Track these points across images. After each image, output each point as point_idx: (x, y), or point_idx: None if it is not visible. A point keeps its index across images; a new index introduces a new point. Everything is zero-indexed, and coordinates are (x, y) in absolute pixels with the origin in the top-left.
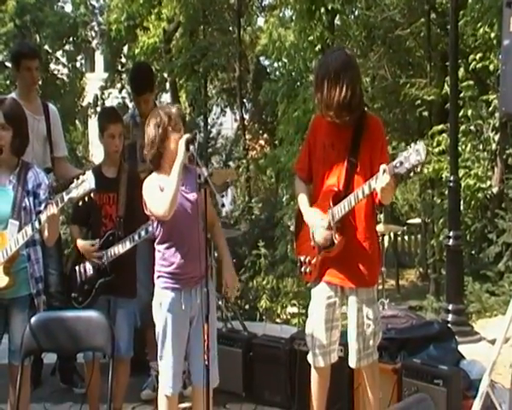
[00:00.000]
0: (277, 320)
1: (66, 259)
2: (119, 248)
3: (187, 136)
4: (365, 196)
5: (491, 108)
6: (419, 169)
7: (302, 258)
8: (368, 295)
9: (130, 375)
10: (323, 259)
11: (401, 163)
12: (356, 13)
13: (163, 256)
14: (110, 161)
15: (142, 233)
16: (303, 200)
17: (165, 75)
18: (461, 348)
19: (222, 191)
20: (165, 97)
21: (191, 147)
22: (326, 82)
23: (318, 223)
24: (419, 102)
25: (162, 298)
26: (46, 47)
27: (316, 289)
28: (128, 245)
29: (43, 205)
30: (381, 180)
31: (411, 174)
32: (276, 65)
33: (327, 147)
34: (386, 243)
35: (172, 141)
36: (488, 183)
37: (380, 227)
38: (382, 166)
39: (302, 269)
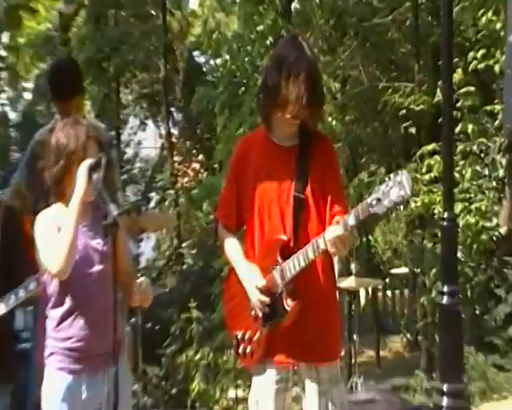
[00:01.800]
0: (215, 408)
1: None
2: None
3: (89, 161)
4: (319, 254)
5: (497, 122)
6: (402, 207)
7: (239, 334)
8: (331, 373)
9: None
10: (270, 333)
11: (378, 200)
12: None
13: (58, 326)
14: None
15: (31, 286)
16: (235, 254)
17: None
18: None
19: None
20: None
21: (95, 176)
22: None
23: (255, 284)
24: (404, 112)
25: (55, 383)
26: None
27: (260, 371)
28: (3, 308)
29: None
30: (331, 233)
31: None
32: (213, 63)
33: (263, 178)
34: (362, 301)
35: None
36: (494, 221)
37: (350, 281)
38: (335, 219)
39: (240, 350)
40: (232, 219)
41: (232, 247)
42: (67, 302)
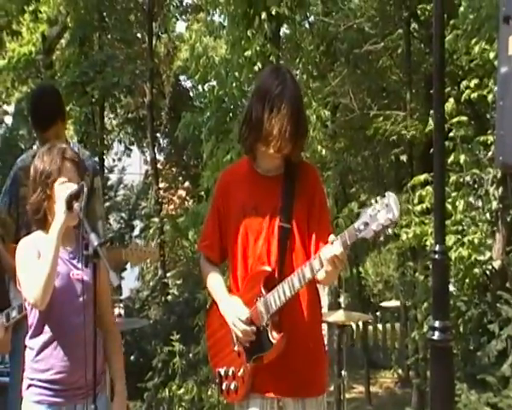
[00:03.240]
0: None
1: None
2: None
3: (69, 190)
4: (305, 283)
5: (490, 153)
6: (391, 231)
7: (222, 371)
8: (318, 408)
9: None
10: (254, 368)
11: (366, 225)
12: (310, 19)
13: (36, 356)
14: None
15: (13, 314)
16: (216, 286)
17: None
18: None
19: (119, 267)
20: None
21: (76, 205)
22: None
23: (239, 316)
24: (395, 141)
25: None
26: None
27: (244, 407)
28: None
29: None
30: (328, 251)
31: (383, 239)
32: (201, 88)
33: (248, 211)
34: (352, 335)
35: (57, 199)
36: (488, 254)
37: (339, 315)
38: (331, 238)
39: (224, 386)
40: (215, 251)
41: (214, 279)
42: (47, 332)
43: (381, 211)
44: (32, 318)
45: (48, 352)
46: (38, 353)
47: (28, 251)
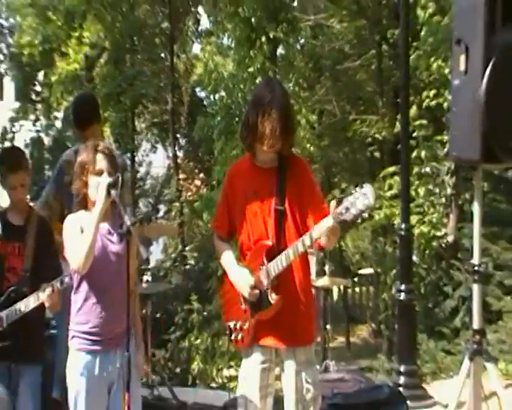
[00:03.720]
0: (212, 384)
1: None
2: (22, 307)
3: (108, 180)
4: (306, 249)
5: (446, 150)
6: (367, 215)
7: (231, 324)
8: (306, 356)
9: None
10: (257, 322)
11: (347, 209)
12: (301, 42)
13: (79, 310)
14: (16, 208)
15: (65, 280)
16: (227, 259)
17: None
18: None
19: (147, 243)
20: None
21: (113, 192)
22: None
23: (248, 282)
24: (370, 140)
25: (75, 361)
26: None
27: (249, 353)
28: (32, 304)
29: None
30: (322, 225)
31: (360, 219)
32: (212, 97)
33: (249, 196)
34: (335, 296)
35: (90, 186)
36: (443, 230)
37: (325, 280)
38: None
39: (232, 336)
40: (225, 230)
41: (225, 253)
42: (87, 292)
43: (360, 198)
44: (77, 280)
45: (87, 308)
46: (80, 308)
47: (73, 227)
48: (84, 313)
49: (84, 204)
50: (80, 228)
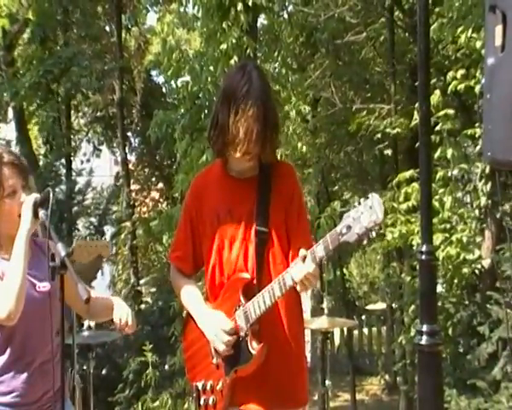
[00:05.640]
0: None
1: None
2: None
3: (35, 196)
4: (286, 291)
5: (479, 147)
6: (374, 234)
7: (200, 384)
8: None
9: None
10: (234, 381)
11: (349, 228)
12: (289, 9)
13: None
14: None
15: None
16: (193, 299)
17: (7, 98)
18: None
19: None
20: (7, 131)
21: (41, 213)
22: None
23: (222, 327)
24: (379, 136)
25: None
26: None
27: None
28: None
29: None
30: (299, 270)
31: (366, 240)
32: (174, 84)
33: (221, 217)
34: (336, 341)
35: (5, 212)
36: (477, 253)
37: (323, 321)
38: (302, 252)
39: (201, 401)
40: (188, 262)
41: (189, 292)
42: (11, 352)
43: (365, 213)
44: None
45: (10, 374)
46: (0, 374)
47: None
48: (5, 381)
49: None
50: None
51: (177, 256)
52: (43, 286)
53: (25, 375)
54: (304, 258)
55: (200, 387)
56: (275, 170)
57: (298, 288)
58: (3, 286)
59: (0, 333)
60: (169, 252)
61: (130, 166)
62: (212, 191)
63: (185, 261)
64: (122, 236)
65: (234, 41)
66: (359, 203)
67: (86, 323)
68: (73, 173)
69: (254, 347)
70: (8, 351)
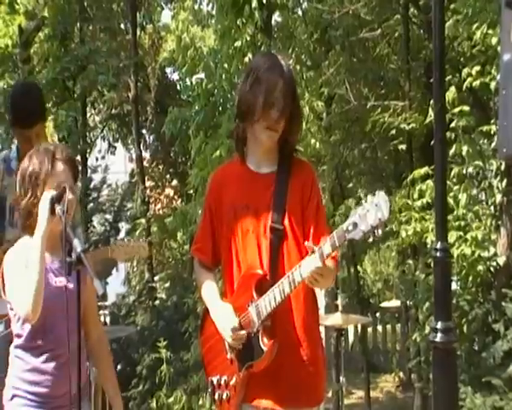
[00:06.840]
0: None
1: None
2: None
3: (51, 193)
4: (295, 288)
5: (494, 144)
6: (380, 231)
7: (215, 379)
8: None
9: None
10: (247, 376)
11: (355, 225)
12: (304, 6)
13: (25, 368)
14: None
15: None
16: (209, 292)
17: None
18: None
19: (106, 273)
20: None
21: (58, 208)
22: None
23: (230, 322)
24: (394, 133)
25: None
26: None
27: None
28: None
29: None
30: (307, 266)
31: (376, 237)
32: (188, 81)
33: (239, 210)
34: (350, 338)
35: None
36: (492, 250)
37: (337, 318)
38: (310, 247)
39: (216, 395)
40: (208, 255)
41: (206, 285)
42: (38, 346)
43: (371, 211)
44: (20, 329)
45: (37, 365)
46: (28, 364)
47: (16, 261)
48: (34, 373)
49: (30, 228)
50: (25, 261)
51: (198, 248)
52: (60, 281)
53: (51, 367)
54: (312, 252)
55: (214, 381)
56: (293, 166)
57: (310, 286)
58: (23, 280)
59: (30, 326)
60: (192, 245)
61: (145, 163)
62: (231, 186)
63: (205, 253)
64: (137, 232)
65: (248, 38)
66: (365, 200)
67: (101, 319)
68: (89, 170)
69: (265, 343)
70: (38, 343)
